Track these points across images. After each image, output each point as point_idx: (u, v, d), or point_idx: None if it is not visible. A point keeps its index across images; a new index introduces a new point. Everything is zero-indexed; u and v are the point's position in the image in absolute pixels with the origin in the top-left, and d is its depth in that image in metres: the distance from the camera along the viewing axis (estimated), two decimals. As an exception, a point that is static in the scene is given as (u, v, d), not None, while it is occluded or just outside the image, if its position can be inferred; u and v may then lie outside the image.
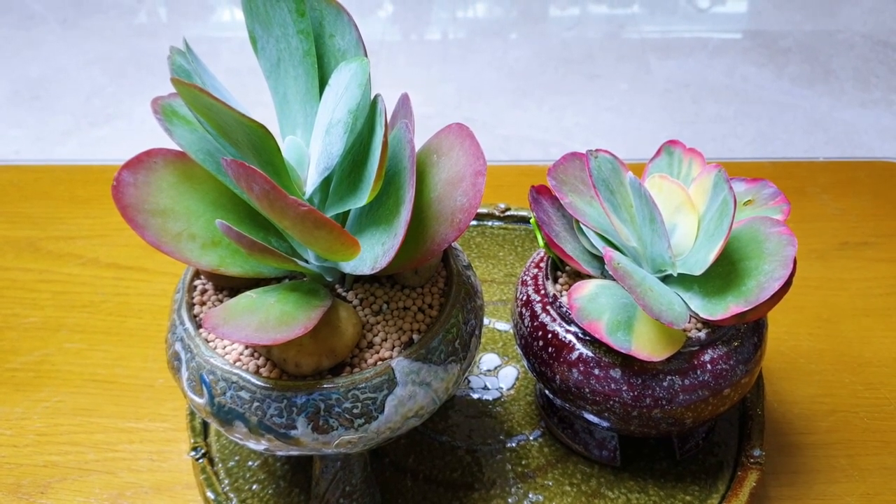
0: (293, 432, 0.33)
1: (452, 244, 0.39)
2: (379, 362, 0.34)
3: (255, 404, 0.32)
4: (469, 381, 0.46)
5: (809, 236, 0.58)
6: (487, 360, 0.48)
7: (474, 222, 0.58)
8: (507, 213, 0.58)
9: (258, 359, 0.34)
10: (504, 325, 0.50)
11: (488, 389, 0.46)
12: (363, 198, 0.32)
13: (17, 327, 0.53)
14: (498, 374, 0.47)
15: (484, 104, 1.40)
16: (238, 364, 0.33)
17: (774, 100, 1.39)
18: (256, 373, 0.33)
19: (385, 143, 0.30)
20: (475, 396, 0.45)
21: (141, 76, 1.49)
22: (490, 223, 0.58)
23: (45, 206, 0.63)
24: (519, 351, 0.41)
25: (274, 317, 0.31)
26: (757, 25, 1.65)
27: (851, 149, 1.26)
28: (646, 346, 0.35)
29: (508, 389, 0.46)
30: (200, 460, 0.41)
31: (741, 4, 1.75)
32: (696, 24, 1.67)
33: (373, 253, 0.32)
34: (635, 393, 0.36)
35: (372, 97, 0.32)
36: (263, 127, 0.29)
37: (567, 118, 1.37)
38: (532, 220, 0.39)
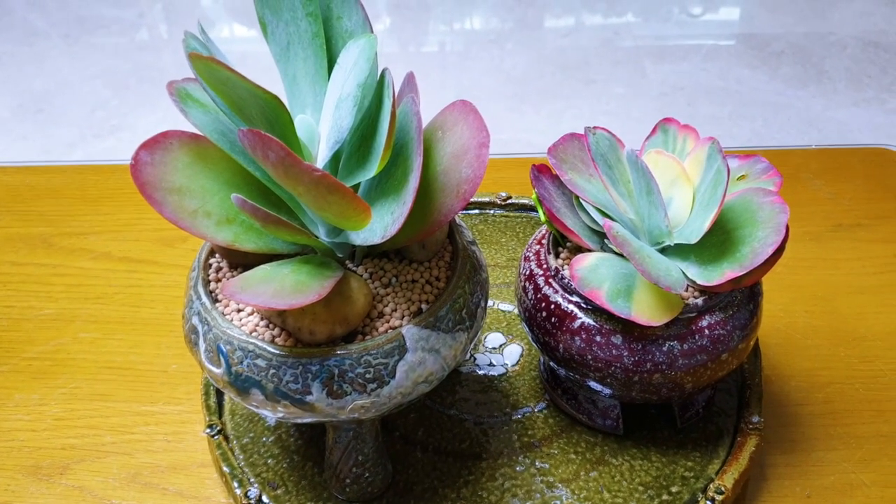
0: (308, 398, 0.34)
1: (457, 221, 0.41)
2: (390, 330, 0.35)
3: (272, 371, 0.34)
4: (475, 359, 0.47)
5: (804, 219, 0.60)
6: (492, 338, 0.49)
7: (477, 210, 0.59)
8: (509, 201, 0.59)
9: (273, 329, 0.35)
10: (508, 306, 0.51)
11: (494, 366, 0.47)
12: (372, 169, 0.33)
13: (33, 319, 0.54)
14: (503, 351, 0.48)
15: (482, 110, 1.41)
16: (254, 334, 0.35)
17: (768, 101, 1.41)
18: (272, 342, 0.34)
19: (394, 113, 0.31)
20: (481, 373, 0.47)
21: (143, 89, 1.51)
22: (492, 211, 0.59)
23: (57, 204, 0.64)
24: (523, 325, 0.42)
25: (289, 285, 0.33)
26: (749, 29, 1.67)
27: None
28: (645, 311, 0.36)
29: (513, 366, 0.47)
30: (216, 437, 0.43)
31: (733, 11, 1.78)
32: (690, 30, 1.70)
33: (382, 222, 0.33)
34: (636, 358, 0.38)
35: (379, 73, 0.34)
36: (277, 98, 0.30)
37: (565, 122, 1.39)
38: (534, 196, 0.41)
